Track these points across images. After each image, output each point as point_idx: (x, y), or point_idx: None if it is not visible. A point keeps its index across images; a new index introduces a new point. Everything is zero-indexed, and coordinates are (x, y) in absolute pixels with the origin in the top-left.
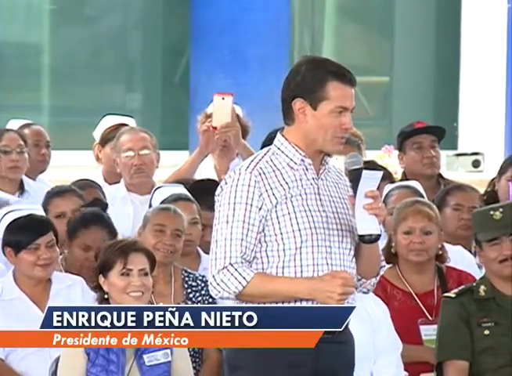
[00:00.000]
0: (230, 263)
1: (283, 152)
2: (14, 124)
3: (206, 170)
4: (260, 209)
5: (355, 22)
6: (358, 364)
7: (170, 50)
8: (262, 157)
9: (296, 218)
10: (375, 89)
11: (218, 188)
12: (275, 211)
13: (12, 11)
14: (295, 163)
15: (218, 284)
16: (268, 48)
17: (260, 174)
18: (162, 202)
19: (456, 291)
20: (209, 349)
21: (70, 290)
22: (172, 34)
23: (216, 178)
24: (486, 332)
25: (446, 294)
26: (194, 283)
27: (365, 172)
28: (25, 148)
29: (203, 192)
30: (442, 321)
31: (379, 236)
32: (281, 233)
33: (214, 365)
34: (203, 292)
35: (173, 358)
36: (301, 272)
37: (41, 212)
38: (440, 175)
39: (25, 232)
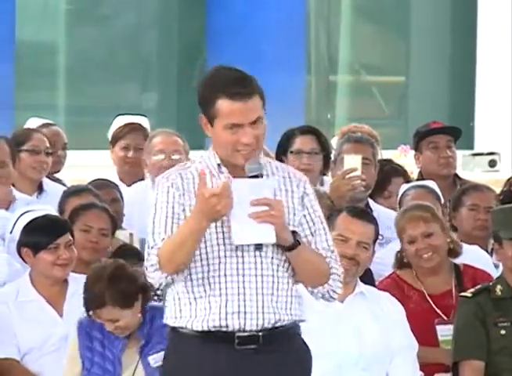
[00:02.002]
0: (150, 250)
1: (205, 160)
2: (33, 122)
3: None
4: (178, 206)
5: (371, 21)
6: (374, 364)
7: (185, 49)
8: (186, 165)
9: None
10: (391, 89)
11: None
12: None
13: (28, 11)
14: (214, 169)
15: (148, 271)
16: (284, 48)
17: (176, 177)
18: None
19: (472, 290)
20: None
21: None
22: (188, 34)
23: None
24: (502, 332)
25: (462, 294)
26: None
27: (250, 181)
28: (51, 149)
29: None
30: (458, 321)
31: (297, 243)
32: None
33: None
34: None
35: None
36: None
37: (53, 213)
38: (456, 175)
39: (44, 232)
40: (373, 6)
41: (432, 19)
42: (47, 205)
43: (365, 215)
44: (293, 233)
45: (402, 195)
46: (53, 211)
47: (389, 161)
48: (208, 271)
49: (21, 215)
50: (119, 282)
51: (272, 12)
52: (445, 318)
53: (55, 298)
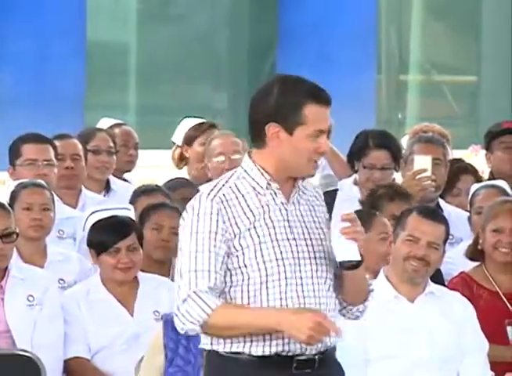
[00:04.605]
0: (194, 291)
1: (249, 175)
2: (105, 122)
3: None
4: (224, 238)
5: (442, 21)
6: (445, 364)
7: (256, 50)
8: (226, 182)
9: (261, 249)
10: (462, 88)
11: (181, 218)
12: (239, 242)
13: (100, 11)
14: (261, 187)
15: (182, 315)
16: (355, 48)
17: (222, 201)
18: None
19: None
20: None
21: (157, 291)
22: (259, 35)
23: None
24: None
25: None
26: None
27: (340, 194)
28: (114, 149)
29: None
30: None
31: (360, 262)
32: (245, 266)
33: None
34: None
35: None
36: (268, 306)
37: (130, 212)
38: None
39: (106, 234)
40: (444, 5)
41: (504, 17)
42: (126, 204)
43: (436, 215)
44: None
45: (473, 195)
46: (131, 210)
47: (459, 160)
48: (267, 288)
49: (91, 214)
50: None
51: (342, 13)
52: None
53: (126, 297)
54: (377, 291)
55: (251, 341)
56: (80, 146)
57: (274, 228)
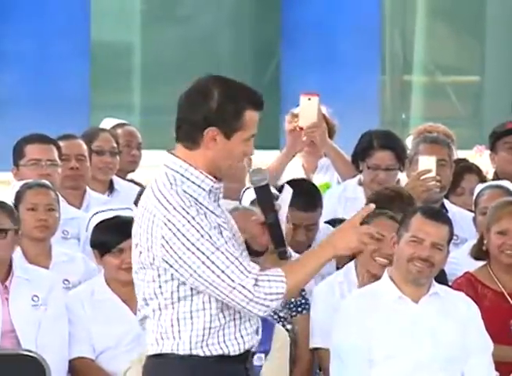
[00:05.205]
0: (255, 274)
1: (188, 179)
2: (108, 123)
3: (294, 169)
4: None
5: (446, 22)
6: (450, 365)
7: (260, 50)
8: (177, 190)
9: (229, 248)
10: (466, 89)
11: (168, 235)
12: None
13: (104, 12)
14: (203, 189)
15: (264, 299)
16: (359, 48)
17: (196, 204)
18: (252, 202)
19: None
20: (301, 350)
21: None
22: (263, 35)
23: (305, 177)
24: None
25: None
26: None
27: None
28: (117, 150)
29: (296, 191)
30: None
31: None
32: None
33: (307, 366)
34: None
35: (267, 361)
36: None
37: (133, 212)
38: None
39: (109, 235)
40: (448, 6)
41: (507, 18)
42: (129, 205)
43: (440, 215)
44: None
45: (478, 195)
46: (134, 210)
47: (463, 160)
48: None
49: (94, 214)
50: None
51: (346, 13)
52: None
53: (131, 297)
54: (381, 291)
55: (224, 341)
56: (84, 147)
57: (225, 228)
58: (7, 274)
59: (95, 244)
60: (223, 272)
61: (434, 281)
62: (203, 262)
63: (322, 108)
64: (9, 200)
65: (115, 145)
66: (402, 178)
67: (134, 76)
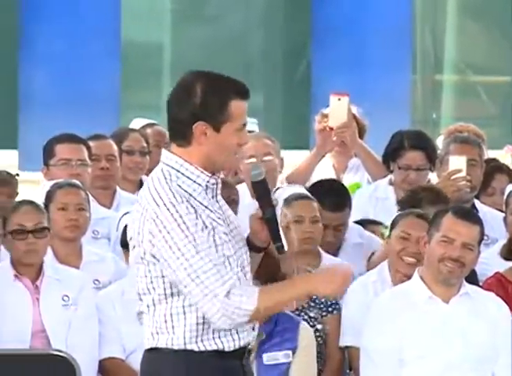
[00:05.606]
0: (230, 289)
1: (183, 174)
2: (137, 123)
3: (325, 169)
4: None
5: (477, 21)
6: (480, 365)
7: (290, 50)
8: (170, 185)
9: (222, 244)
10: (497, 88)
11: (154, 231)
12: (213, 238)
13: (135, 11)
14: (199, 185)
15: (232, 312)
16: (389, 48)
17: (188, 206)
18: (283, 202)
19: None
20: (331, 350)
21: None
22: (293, 35)
23: (335, 178)
24: None
25: None
26: None
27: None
28: (147, 149)
29: (324, 192)
30: None
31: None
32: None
33: (337, 365)
34: None
35: (295, 358)
36: None
37: None
38: None
39: None
40: (479, 6)
41: None
42: None
43: (471, 215)
44: None
45: (509, 195)
46: None
47: (493, 160)
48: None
49: (124, 214)
50: None
51: (377, 13)
52: None
53: None
54: (412, 291)
55: (219, 337)
56: (115, 147)
57: (221, 224)
58: (38, 274)
59: (125, 244)
60: (198, 277)
61: (464, 281)
62: (181, 263)
63: (353, 108)
64: (40, 199)
65: (145, 145)
66: (433, 178)
67: (164, 76)
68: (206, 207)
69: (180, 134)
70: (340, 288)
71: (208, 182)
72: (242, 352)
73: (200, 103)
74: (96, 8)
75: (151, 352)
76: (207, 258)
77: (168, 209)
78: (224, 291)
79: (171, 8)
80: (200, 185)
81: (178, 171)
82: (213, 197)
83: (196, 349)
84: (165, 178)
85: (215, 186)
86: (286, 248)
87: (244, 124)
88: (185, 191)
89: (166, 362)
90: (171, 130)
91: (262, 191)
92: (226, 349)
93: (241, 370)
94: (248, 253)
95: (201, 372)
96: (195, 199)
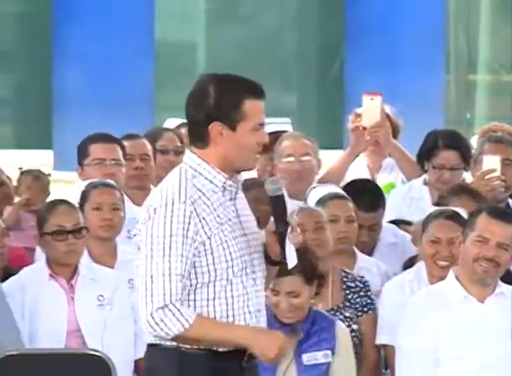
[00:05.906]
0: (171, 302)
1: (201, 174)
2: (171, 122)
3: (359, 169)
4: (194, 242)
5: (511, 21)
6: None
7: (324, 50)
8: (186, 183)
9: (228, 247)
10: None
11: (146, 217)
12: (210, 243)
13: (168, 11)
14: (216, 186)
15: (156, 323)
16: (423, 48)
17: (192, 203)
18: (318, 201)
19: None
20: (367, 350)
21: None
22: (326, 34)
23: (369, 177)
24: None
25: None
26: (353, 284)
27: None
28: (181, 149)
29: (358, 192)
30: None
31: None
32: (213, 264)
33: (373, 364)
34: (361, 293)
35: (335, 358)
36: (233, 303)
37: None
38: None
39: None
40: None
41: None
42: None
43: (506, 215)
44: None
45: None
46: None
47: None
48: (231, 285)
49: None
50: None
51: (410, 13)
52: None
53: None
54: (447, 290)
55: None
56: (149, 146)
57: (232, 225)
58: (73, 273)
59: None
60: (151, 277)
61: (499, 281)
62: (146, 256)
63: (386, 108)
64: (74, 199)
65: (179, 144)
66: (467, 177)
67: (197, 76)
68: (216, 207)
69: (198, 136)
70: (271, 360)
71: (225, 183)
72: (239, 355)
73: (214, 104)
74: (129, 7)
75: (149, 347)
76: (170, 265)
77: (167, 203)
78: (162, 302)
79: (205, 8)
80: (216, 185)
81: (196, 170)
82: (230, 200)
83: (189, 347)
84: (180, 176)
85: (233, 188)
86: (288, 267)
87: (262, 124)
88: (199, 190)
89: (162, 357)
90: (190, 133)
91: (279, 206)
92: (220, 349)
93: (237, 372)
94: (263, 261)
95: (193, 370)
96: (208, 198)
